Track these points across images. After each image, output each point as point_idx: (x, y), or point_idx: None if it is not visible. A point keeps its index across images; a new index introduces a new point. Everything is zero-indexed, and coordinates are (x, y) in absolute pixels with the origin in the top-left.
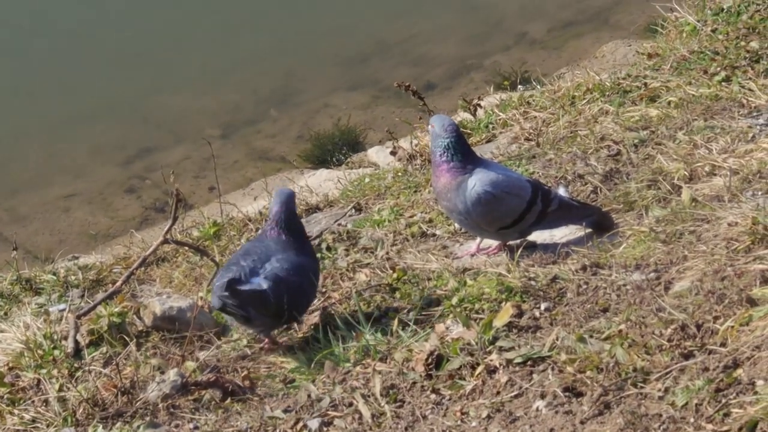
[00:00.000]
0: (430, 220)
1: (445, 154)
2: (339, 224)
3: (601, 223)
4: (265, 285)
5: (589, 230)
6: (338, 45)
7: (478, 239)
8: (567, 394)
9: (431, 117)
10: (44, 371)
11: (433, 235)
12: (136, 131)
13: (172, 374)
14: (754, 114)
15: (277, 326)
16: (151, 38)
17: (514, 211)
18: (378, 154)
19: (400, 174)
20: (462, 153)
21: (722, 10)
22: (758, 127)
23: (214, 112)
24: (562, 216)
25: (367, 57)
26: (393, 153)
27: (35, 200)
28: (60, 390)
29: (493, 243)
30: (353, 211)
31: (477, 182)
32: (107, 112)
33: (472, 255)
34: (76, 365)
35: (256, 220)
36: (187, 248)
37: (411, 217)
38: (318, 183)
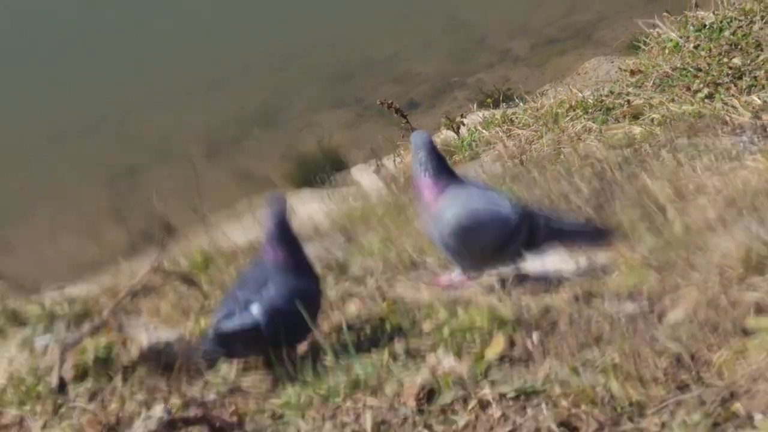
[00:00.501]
0: (421, 249)
1: (420, 169)
2: (329, 253)
3: (597, 239)
4: (259, 317)
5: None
6: (322, 62)
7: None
8: (562, 429)
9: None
10: (27, 407)
11: (424, 263)
12: (118, 151)
13: (158, 410)
14: (738, 131)
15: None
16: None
17: (496, 240)
18: (361, 173)
19: (388, 200)
20: (434, 168)
21: (704, 26)
22: (742, 144)
23: (197, 130)
24: (552, 240)
25: (351, 74)
26: (376, 172)
27: (21, 226)
28: (44, 427)
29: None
30: (343, 240)
31: (453, 211)
32: (90, 132)
33: (447, 286)
34: (60, 401)
35: (245, 250)
36: (175, 278)
37: (400, 245)
38: (301, 202)
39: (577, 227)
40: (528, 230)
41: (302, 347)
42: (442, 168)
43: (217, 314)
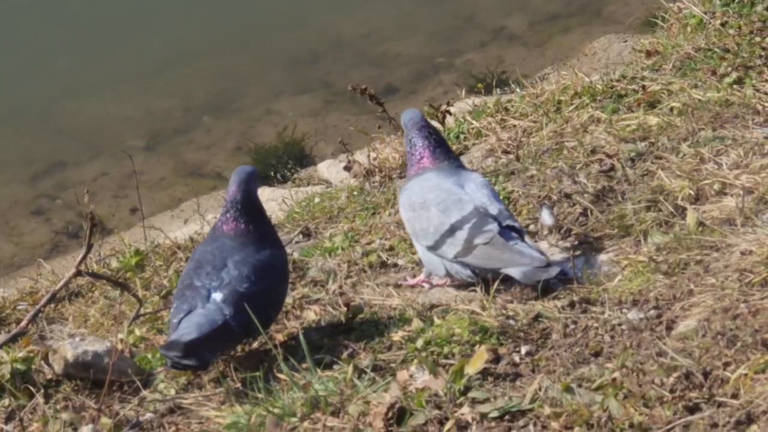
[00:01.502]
0: (391, 248)
1: (415, 148)
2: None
3: (528, 280)
4: (226, 311)
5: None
6: (283, 42)
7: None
8: None
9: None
10: None
11: (395, 265)
12: (45, 143)
13: (86, 431)
14: None
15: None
16: (62, 34)
17: (436, 229)
18: (329, 170)
19: (355, 193)
20: (424, 148)
21: (733, 0)
22: None
23: (137, 119)
24: (488, 255)
25: (318, 56)
26: (347, 168)
27: None
28: None
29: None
30: (300, 236)
31: (408, 187)
32: (11, 121)
33: (416, 284)
34: None
35: (187, 247)
36: (104, 282)
37: (368, 244)
38: None
39: (519, 256)
40: (468, 232)
41: (253, 359)
42: (435, 149)
43: (176, 312)
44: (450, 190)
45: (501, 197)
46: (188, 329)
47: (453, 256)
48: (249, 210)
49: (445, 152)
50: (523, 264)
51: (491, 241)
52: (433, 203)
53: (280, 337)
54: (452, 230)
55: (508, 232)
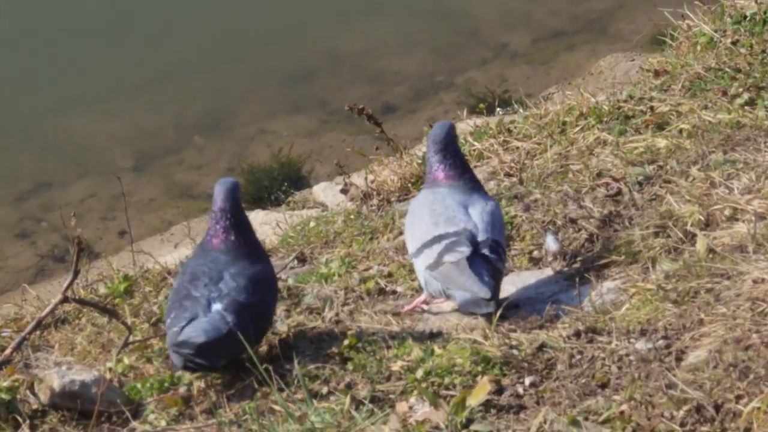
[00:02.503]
0: (389, 274)
1: (434, 164)
2: (278, 278)
3: (464, 308)
4: (229, 319)
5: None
6: (277, 58)
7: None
8: None
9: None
10: None
11: (394, 292)
12: (29, 162)
13: None
14: None
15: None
16: (48, 48)
17: (421, 237)
18: (325, 192)
19: (352, 217)
20: (454, 163)
21: (745, 17)
22: None
23: (126, 138)
24: (449, 275)
25: (313, 73)
26: (344, 191)
27: None
28: None
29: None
30: (295, 262)
31: (418, 196)
32: None
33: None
34: None
35: (177, 272)
36: (92, 308)
37: (366, 270)
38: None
39: (473, 282)
40: (444, 248)
41: (247, 390)
42: (452, 166)
43: (176, 321)
44: (450, 207)
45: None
46: (196, 333)
47: (425, 266)
48: (238, 221)
49: (461, 172)
50: (470, 291)
51: (458, 261)
52: (427, 213)
53: (274, 367)
54: (432, 242)
55: (481, 261)
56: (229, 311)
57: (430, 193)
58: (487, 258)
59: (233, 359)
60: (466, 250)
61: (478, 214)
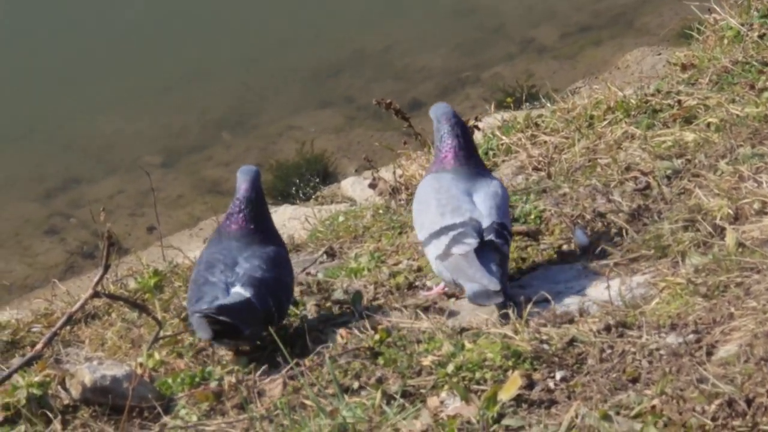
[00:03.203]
0: (419, 269)
1: (441, 146)
2: (308, 273)
3: (474, 300)
4: (247, 293)
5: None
6: (303, 55)
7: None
8: None
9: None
10: None
11: (423, 286)
12: (57, 159)
13: None
14: None
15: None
16: (75, 48)
17: (429, 227)
18: (354, 187)
19: (381, 211)
20: (461, 145)
21: None
22: None
23: (153, 135)
24: (458, 266)
25: (340, 69)
26: (372, 186)
27: None
28: None
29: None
30: (324, 256)
31: (423, 182)
32: (22, 137)
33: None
34: None
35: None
36: (122, 303)
37: (395, 264)
38: (281, 222)
39: (478, 274)
40: (451, 240)
41: (278, 385)
42: (459, 150)
43: (198, 306)
44: (455, 196)
45: (533, 216)
46: (218, 301)
47: (435, 256)
48: (259, 210)
49: (468, 156)
50: (479, 283)
51: (466, 254)
52: (434, 203)
53: (305, 362)
54: (439, 233)
55: (489, 249)
56: (246, 285)
57: (435, 180)
58: (494, 244)
59: (260, 342)
60: (473, 241)
61: (482, 200)
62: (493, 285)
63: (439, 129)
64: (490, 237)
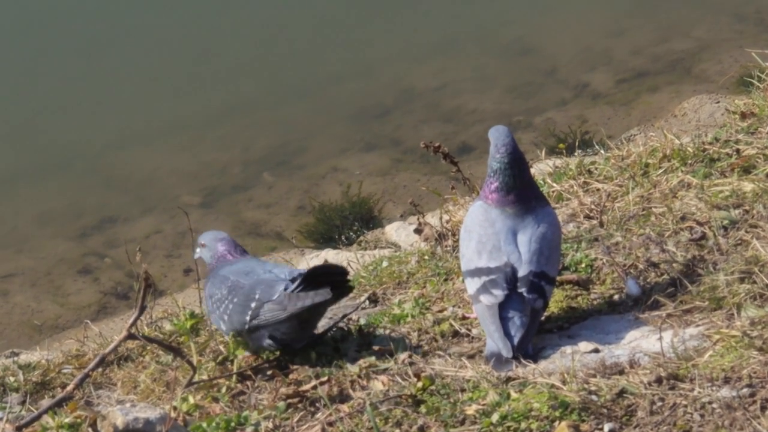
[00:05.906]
0: (464, 317)
1: (492, 178)
2: (349, 319)
3: (490, 360)
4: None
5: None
6: (349, 93)
7: None
8: None
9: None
10: None
11: (468, 334)
12: (93, 196)
13: None
14: None
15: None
16: (113, 81)
17: (467, 262)
18: (398, 232)
19: (426, 257)
20: (511, 186)
21: None
22: None
23: (193, 173)
24: (482, 315)
25: (386, 110)
26: (418, 231)
27: None
28: None
29: None
30: (367, 302)
31: (472, 207)
32: (58, 173)
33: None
34: None
35: None
36: (156, 346)
37: (440, 311)
38: None
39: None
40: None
41: (316, 431)
42: (522, 185)
43: (261, 292)
44: (498, 233)
45: (583, 265)
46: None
47: (469, 295)
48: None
49: (518, 196)
50: (496, 344)
51: (491, 306)
52: (475, 237)
53: (345, 408)
54: (473, 273)
55: (517, 302)
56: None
57: (483, 210)
58: (524, 298)
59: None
60: (500, 294)
61: (526, 241)
62: (506, 351)
63: (492, 156)
64: (522, 290)
